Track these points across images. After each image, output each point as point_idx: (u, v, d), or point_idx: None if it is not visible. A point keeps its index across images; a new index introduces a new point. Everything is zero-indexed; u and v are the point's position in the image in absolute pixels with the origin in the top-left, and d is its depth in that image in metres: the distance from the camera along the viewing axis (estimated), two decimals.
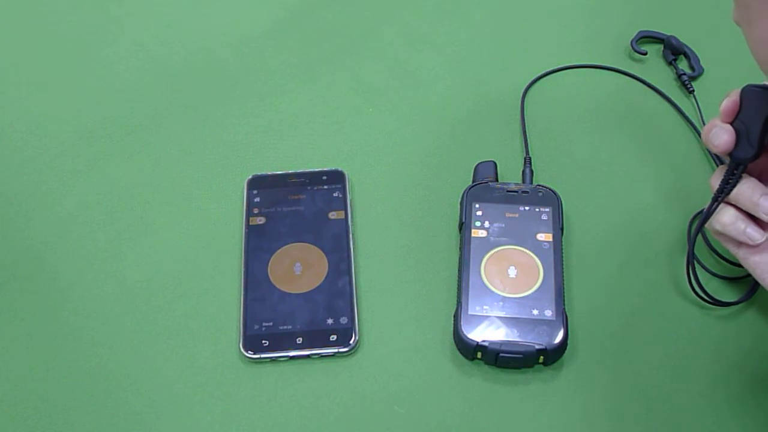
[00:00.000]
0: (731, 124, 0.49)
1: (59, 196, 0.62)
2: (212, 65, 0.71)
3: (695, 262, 0.56)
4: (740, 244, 0.51)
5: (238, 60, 0.71)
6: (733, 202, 0.51)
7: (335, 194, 0.61)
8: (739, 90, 0.49)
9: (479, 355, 0.52)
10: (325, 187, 0.61)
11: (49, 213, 0.62)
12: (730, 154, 0.50)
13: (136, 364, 0.54)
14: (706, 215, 0.52)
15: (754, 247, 0.51)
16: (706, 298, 0.54)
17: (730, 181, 0.50)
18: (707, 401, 0.52)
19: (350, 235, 0.59)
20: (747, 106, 0.49)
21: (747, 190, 0.50)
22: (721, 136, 0.49)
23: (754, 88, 0.48)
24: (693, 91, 0.66)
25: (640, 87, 0.68)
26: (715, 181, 0.51)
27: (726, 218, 0.50)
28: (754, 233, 0.50)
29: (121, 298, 0.57)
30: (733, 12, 0.47)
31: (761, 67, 0.45)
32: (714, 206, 0.51)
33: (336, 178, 0.62)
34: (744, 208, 0.50)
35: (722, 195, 0.51)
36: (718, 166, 0.62)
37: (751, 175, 0.50)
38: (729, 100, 0.49)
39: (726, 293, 0.56)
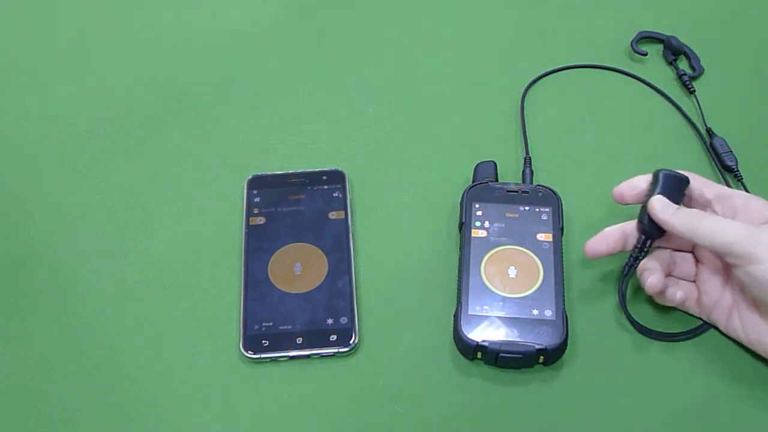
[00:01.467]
0: (646, 197, 0.53)
1: (59, 196, 0.62)
2: (212, 65, 0.71)
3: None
4: (697, 304, 0.54)
5: (238, 60, 0.71)
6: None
7: (335, 194, 0.61)
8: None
9: (479, 355, 0.52)
10: (325, 187, 0.61)
11: (49, 213, 0.62)
12: (641, 230, 0.53)
13: (136, 364, 0.54)
14: (622, 286, 0.54)
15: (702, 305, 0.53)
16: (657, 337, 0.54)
17: (640, 255, 0.53)
18: (707, 400, 0.52)
19: (350, 235, 0.59)
20: (662, 184, 0.52)
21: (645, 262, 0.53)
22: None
23: (666, 172, 0.52)
24: (694, 91, 0.66)
25: (640, 87, 0.68)
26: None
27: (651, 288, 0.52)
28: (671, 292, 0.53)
29: (121, 298, 0.57)
30: None
31: None
32: (625, 275, 0.54)
33: (336, 178, 0.62)
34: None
35: (632, 267, 0.53)
36: (718, 167, 0.62)
37: (667, 246, 0.54)
38: (628, 181, 0.54)
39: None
